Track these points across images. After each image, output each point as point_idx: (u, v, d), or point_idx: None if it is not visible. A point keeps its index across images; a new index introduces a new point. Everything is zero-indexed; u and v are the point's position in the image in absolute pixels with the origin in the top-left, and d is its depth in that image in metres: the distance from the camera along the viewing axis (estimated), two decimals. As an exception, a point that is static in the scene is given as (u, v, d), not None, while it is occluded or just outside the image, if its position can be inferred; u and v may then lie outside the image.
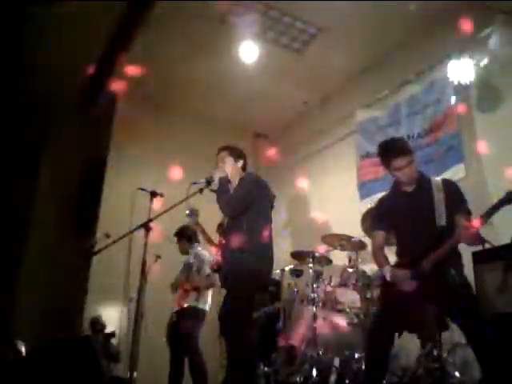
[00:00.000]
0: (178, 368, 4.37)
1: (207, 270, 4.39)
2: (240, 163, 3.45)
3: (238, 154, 3.47)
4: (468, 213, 2.65)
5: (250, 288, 3.10)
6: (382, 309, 2.82)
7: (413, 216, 2.74)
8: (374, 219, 3.03)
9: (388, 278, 2.66)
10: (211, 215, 3.41)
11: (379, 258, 2.83)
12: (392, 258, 2.91)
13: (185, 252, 4.77)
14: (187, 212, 3.92)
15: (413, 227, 2.72)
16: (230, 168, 3.38)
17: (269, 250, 3.20)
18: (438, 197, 2.68)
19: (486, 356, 2.38)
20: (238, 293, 3.07)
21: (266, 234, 3.24)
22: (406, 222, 2.77)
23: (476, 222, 2.44)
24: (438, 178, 2.85)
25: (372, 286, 3.95)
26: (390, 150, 2.80)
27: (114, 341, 4.95)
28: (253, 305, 3.26)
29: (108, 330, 5.03)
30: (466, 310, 2.46)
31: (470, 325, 2.44)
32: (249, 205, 3.17)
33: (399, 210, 2.81)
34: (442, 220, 2.62)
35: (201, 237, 4.52)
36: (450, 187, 2.77)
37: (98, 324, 4.91)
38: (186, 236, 4.73)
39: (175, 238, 4.76)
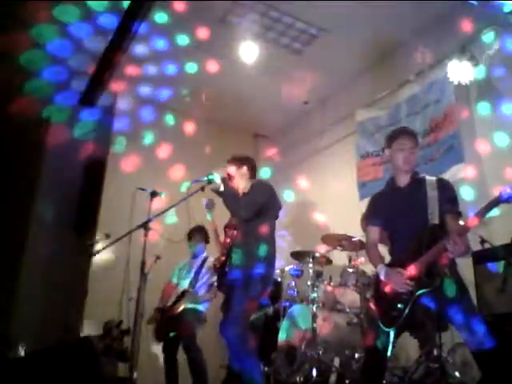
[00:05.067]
0: (172, 368, 4.38)
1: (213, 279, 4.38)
2: (244, 169, 3.47)
3: (240, 162, 3.49)
4: (458, 214, 2.64)
5: (260, 292, 3.14)
6: (376, 308, 2.80)
7: (405, 213, 2.71)
8: (367, 215, 2.99)
9: (382, 277, 2.65)
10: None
11: (373, 255, 2.79)
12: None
13: (196, 254, 4.74)
14: (205, 203, 3.84)
15: (405, 225, 2.69)
16: (238, 178, 3.41)
17: (275, 257, 3.28)
18: (432, 195, 2.66)
19: (484, 357, 2.38)
20: (248, 295, 3.10)
21: (273, 241, 3.30)
22: (398, 219, 2.74)
23: (471, 221, 2.43)
24: (433, 177, 2.83)
25: (372, 286, 3.96)
26: (400, 131, 2.93)
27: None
28: (256, 305, 3.30)
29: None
30: (461, 310, 2.45)
31: (465, 325, 2.44)
32: (262, 210, 3.22)
33: (392, 207, 2.79)
34: (434, 219, 2.59)
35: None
36: (444, 186, 2.74)
37: (113, 326, 4.80)
38: (205, 236, 4.68)
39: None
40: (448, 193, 2.71)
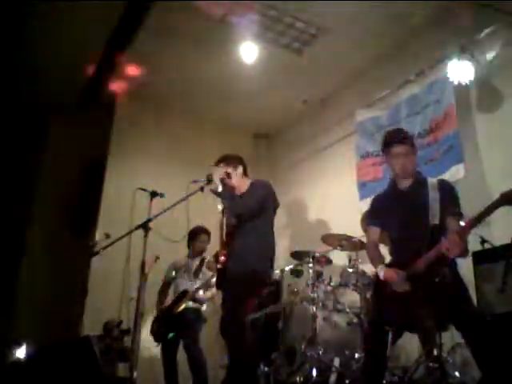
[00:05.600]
0: (172, 368, 4.38)
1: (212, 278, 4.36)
2: (240, 169, 3.47)
3: (235, 162, 3.49)
4: (460, 216, 2.64)
5: (254, 288, 3.15)
6: (376, 309, 2.80)
7: (407, 214, 2.73)
8: (368, 215, 3.01)
9: (381, 277, 2.65)
10: (212, 215, 3.41)
11: (373, 255, 2.80)
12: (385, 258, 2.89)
13: (195, 254, 4.72)
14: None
15: (406, 226, 2.71)
16: (235, 178, 3.41)
17: (273, 254, 3.31)
18: (433, 196, 2.67)
19: (483, 357, 2.37)
20: (245, 294, 3.11)
21: (272, 238, 3.31)
22: (399, 220, 2.75)
23: (466, 225, 2.43)
24: (435, 179, 2.84)
25: (372, 286, 3.96)
26: (394, 137, 2.86)
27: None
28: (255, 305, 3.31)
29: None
30: (460, 310, 2.45)
31: (465, 325, 2.44)
32: (262, 209, 3.26)
33: (394, 208, 2.80)
34: (435, 219, 2.61)
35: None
36: (446, 188, 2.76)
37: (113, 326, 4.77)
38: (208, 237, 4.66)
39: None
40: (450, 194, 2.72)
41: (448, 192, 2.73)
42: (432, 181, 2.80)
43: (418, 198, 2.72)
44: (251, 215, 3.24)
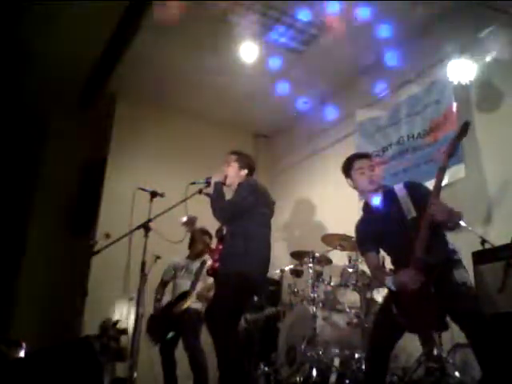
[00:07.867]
0: (171, 369, 4.38)
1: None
2: (244, 172, 3.43)
3: (244, 163, 3.45)
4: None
5: (237, 290, 3.09)
6: (402, 321, 2.73)
7: (388, 225, 2.76)
8: (358, 245, 3.03)
9: (394, 287, 2.62)
10: (211, 217, 3.41)
11: (381, 277, 2.79)
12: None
13: (195, 255, 4.73)
14: (184, 220, 3.70)
15: (394, 237, 2.72)
16: (233, 173, 3.38)
17: (264, 256, 3.20)
18: (401, 195, 2.74)
19: (486, 356, 2.37)
20: (224, 293, 3.08)
21: (263, 240, 3.24)
22: (386, 236, 2.77)
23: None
24: (400, 184, 2.89)
25: (372, 286, 3.96)
26: (353, 156, 3.05)
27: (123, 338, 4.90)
28: (239, 306, 3.24)
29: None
30: (467, 309, 2.45)
31: (471, 324, 2.43)
32: (245, 211, 3.16)
33: (376, 226, 2.83)
34: (411, 213, 2.66)
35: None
36: (412, 185, 2.82)
37: (109, 326, 4.74)
38: (209, 237, 4.60)
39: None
40: (419, 190, 2.78)
41: (416, 188, 2.79)
42: (397, 185, 2.86)
43: (391, 207, 2.77)
44: (227, 219, 3.19)
